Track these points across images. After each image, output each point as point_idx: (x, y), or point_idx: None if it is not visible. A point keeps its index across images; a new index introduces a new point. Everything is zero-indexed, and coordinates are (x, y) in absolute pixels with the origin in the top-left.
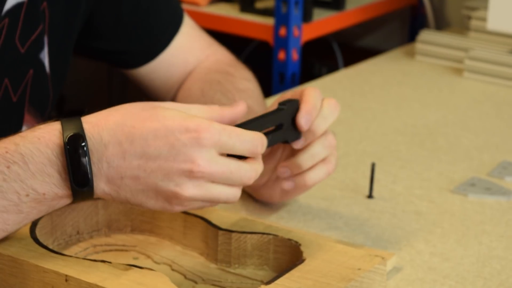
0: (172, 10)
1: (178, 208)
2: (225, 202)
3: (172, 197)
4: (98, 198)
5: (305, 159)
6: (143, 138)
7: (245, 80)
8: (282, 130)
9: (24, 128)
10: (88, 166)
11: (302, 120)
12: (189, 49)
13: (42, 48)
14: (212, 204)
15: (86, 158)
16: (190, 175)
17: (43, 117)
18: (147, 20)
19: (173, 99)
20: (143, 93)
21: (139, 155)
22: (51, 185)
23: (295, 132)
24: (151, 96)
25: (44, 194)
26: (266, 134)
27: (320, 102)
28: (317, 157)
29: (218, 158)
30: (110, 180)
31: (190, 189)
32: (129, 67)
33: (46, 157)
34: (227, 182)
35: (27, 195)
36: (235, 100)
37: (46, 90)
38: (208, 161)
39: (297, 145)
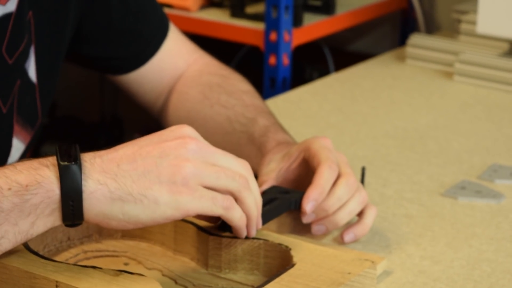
0: (159, 16)
1: (186, 192)
2: (236, 172)
3: (175, 172)
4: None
5: (331, 204)
6: (131, 142)
7: (242, 82)
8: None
9: (14, 139)
10: (77, 150)
11: (308, 206)
12: (178, 53)
13: (27, 58)
14: (222, 183)
15: (77, 148)
16: (185, 145)
17: (33, 128)
18: (136, 25)
19: (165, 104)
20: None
21: (130, 146)
22: (35, 175)
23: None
24: (141, 102)
25: (27, 185)
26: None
27: (331, 183)
28: (343, 199)
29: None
30: (105, 169)
31: (190, 157)
32: (119, 73)
33: (36, 160)
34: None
35: (9, 189)
36: (244, 100)
37: (33, 101)
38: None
39: (307, 220)
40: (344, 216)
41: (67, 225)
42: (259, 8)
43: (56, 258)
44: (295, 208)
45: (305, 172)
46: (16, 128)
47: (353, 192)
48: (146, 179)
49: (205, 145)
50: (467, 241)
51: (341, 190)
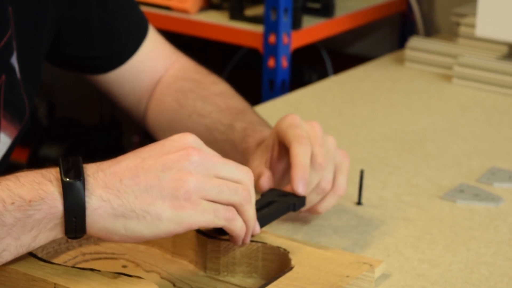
0: (139, 17)
1: (189, 206)
2: (239, 181)
3: (178, 187)
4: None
5: (327, 180)
6: (134, 152)
7: (215, 84)
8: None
9: (1, 134)
10: (80, 164)
11: (299, 188)
12: (157, 56)
13: (12, 52)
14: (224, 197)
15: (80, 162)
16: (188, 157)
17: (21, 123)
18: (116, 24)
19: (146, 111)
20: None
21: (133, 158)
22: (38, 191)
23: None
24: (123, 107)
25: (30, 201)
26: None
27: (308, 156)
28: (312, 184)
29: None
30: (108, 185)
31: (192, 170)
32: (98, 73)
33: (39, 173)
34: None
35: (13, 203)
36: (218, 105)
37: (19, 95)
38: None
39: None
40: (325, 205)
41: (69, 238)
42: (258, 10)
43: (55, 261)
44: (294, 210)
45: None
46: (3, 123)
47: (331, 155)
48: (149, 195)
49: (208, 156)
50: (465, 245)
51: (324, 161)
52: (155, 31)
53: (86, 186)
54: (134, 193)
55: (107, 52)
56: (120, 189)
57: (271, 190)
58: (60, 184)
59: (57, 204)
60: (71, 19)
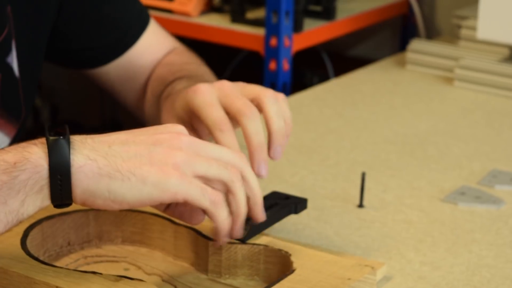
0: (138, 8)
1: (176, 174)
2: (227, 161)
3: (167, 157)
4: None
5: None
6: (127, 130)
7: (187, 64)
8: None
9: None
10: (66, 128)
11: (262, 171)
12: (158, 50)
13: (9, 51)
14: (214, 172)
15: (66, 126)
16: (179, 137)
17: (18, 122)
18: (114, 13)
19: (144, 110)
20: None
21: (125, 133)
22: (23, 152)
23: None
24: (126, 104)
25: (15, 163)
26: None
27: (262, 132)
28: (280, 115)
29: None
30: (95, 148)
31: (183, 147)
32: (97, 65)
33: (25, 142)
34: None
35: None
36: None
37: (17, 95)
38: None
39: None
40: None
41: (56, 206)
42: (259, 13)
43: (56, 264)
44: (296, 213)
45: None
46: (0, 121)
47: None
48: (137, 160)
49: (198, 140)
50: (467, 247)
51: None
52: (157, 25)
53: (72, 146)
54: (122, 157)
55: (104, 42)
56: (108, 153)
57: (272, 193)
58: (45, 145)
59: (42, 162)
60: (67, 10)
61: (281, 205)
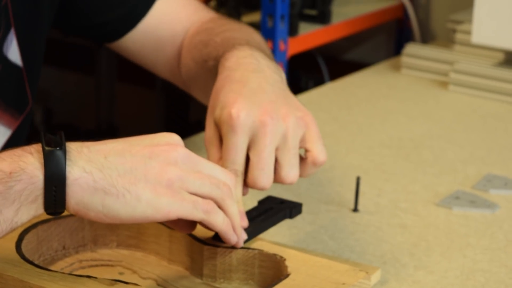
0: None
1: (169, 193)
2: (221, 178)
3: (162, 173)
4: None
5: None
6: (122, 138)
7: (223, 26)
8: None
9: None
10: (62, 137)
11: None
12: (175, 18)
13: (10, 43)
14: (206, 190)
15: (62, 135)
16: (176, 149)
17: (22, 113)
18: None
19: (181, 79)
20: (130, 107)
21: (121, 142)
22: (19, 162)
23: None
24: (159, 73)
25: (10, 173)
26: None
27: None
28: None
29: None
30: (91, 159)
31: (178, 161)
32: (110, 39)
33: (20, 148)
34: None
35: None
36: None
37: (21, 85)
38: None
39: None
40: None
41: (49, 213)
42: (254, 17)
43: (51, 268)
44: (290, 217)
45: None
46: (1, 114)
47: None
48: (132, 176)
49: (193, 154)
50: (461, 251)
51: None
52: None
53: (68, 157)
54: (118, 171)
55: (113, 17)
56: (104, 165)
57: (267, 198)
58: (41, 155)
59: (37, 173)
60: None
61: (276, 209)
